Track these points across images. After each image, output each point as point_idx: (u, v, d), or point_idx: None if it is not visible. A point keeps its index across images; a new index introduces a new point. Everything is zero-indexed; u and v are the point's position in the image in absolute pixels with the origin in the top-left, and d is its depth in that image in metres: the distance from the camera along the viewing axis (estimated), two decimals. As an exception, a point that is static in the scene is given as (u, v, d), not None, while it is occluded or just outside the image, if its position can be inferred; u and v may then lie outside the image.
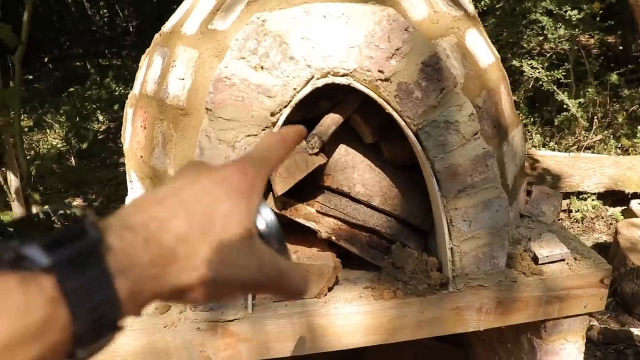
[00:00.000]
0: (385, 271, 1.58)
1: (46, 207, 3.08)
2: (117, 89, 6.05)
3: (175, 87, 1.50)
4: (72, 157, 4.79)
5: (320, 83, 1.34)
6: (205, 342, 1.49)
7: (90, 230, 0.34)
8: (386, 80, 1.35)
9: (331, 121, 1.40)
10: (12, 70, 2.82)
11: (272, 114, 1.33)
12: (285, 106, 1.33)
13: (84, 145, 4.92)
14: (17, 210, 2.72)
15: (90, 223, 0.35)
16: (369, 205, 1.54)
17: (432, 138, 1.40)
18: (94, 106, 5.48)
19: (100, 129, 5.59)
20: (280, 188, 1.38)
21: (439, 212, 1.49)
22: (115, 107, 5.66)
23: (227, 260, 0.41)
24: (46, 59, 6.23)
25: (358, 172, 1.51)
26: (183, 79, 1.48)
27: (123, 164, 5.27)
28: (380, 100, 1.36)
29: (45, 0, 7.34)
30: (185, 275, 0.39)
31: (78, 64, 6.65)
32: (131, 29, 8.29)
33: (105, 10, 8.43)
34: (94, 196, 4.44)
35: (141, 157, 1.65)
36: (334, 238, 1.51)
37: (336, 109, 1.44)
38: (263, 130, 1.33)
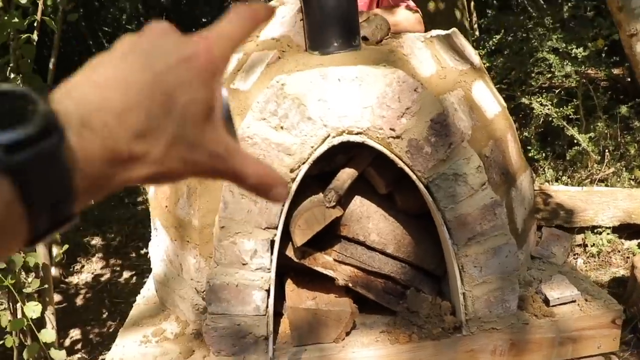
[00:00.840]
0: (401, 315, 1.65)
1: (66, 246, 3.18)
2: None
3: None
4: (92, 197, 4.91)
5: (336, 141, 1.43)
6: (227, 386, 1.56)
7: (52, 129, 0.33)
8: (397, 137, 1.44)
9: (347, 175, 1.49)
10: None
11: (292, 170, 1.42)
12: (304, 163, 1.43)
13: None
14: (41, 250, 2.82)
15: (52, 118, 0.33)
16: (383, 253, 1.61)
17: (442, 190, 1.48)
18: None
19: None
20: (299, 239, 1.46)
21: (450, 259, 1.55)
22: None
23: (183, 154, 0.38)
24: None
25: (373, 222, 1.59)
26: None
27: (141, 203, 5.44)
28: (392, 156, 1.45)
29: (68, 42, 7.60)
30: (139, 172, 0.37)
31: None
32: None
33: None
34: (112, 235, 4.55)
35: (166, 206, 1.75)
36: (350, 285, 1.58)
37: (351, 164, 1.53)
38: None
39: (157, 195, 1.84)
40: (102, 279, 4.10)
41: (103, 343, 3.44)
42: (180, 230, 1.68)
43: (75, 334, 3.49)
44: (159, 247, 1.86)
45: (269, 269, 1.48)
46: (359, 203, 1.59)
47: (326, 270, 1.56)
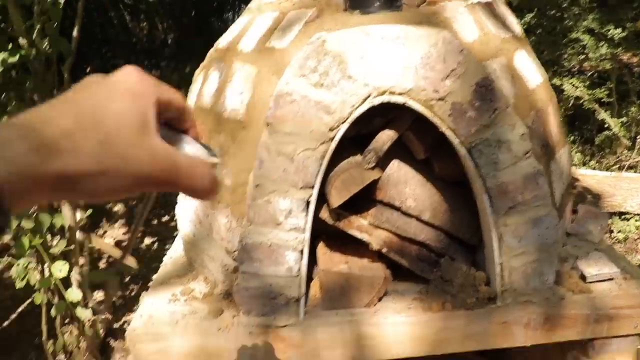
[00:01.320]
0: (434, 284, 1.61)
1: (90, 210, 3.16)
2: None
3: (234, 101, 1.57)
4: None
5: (377, 101, 1.38)
6: (256, 346, 1.54)
7: None
8: (441, 99, 1.38)
9: (386, 137, 1.44)
10: (60, 80, 2.92)
11: (330, 129, 1.37)
12: (343, 122, 1.38)
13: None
14: (67, 213, 2.82)
15: None
16: (419, 220, 1.57)
17: (485, 156, 1.43)
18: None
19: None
20: (335, 200, 1.42)
21: (489, 228, 1.50)
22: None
23: (115, 152, 0.43)
24: (89, 69, 6.41)
25: (410, 187, 1.54)
26: (242, 94, 1.54)
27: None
28: (434, 119, 1.40)
29: (90, 13, 7.59)
30: (70, 165, 0.41)
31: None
32: (169, 42, 8.48)
33: (145, 23, 8.65)
34: (134, 202, 4.57)
35: (198, 167, 1.72)
36: (384, 250, 1.54)
37: (391, 126, 1.48)
38: (321, 144, 1.37)
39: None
40: (124, 245, 4.12)
41: (125, 305, 3.47)
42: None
43: (98, 295, 3.51)
44: (188, 207, 1.83)
45: (303, 230, 1.45)
46: (396, 167, 1.54)
47: (360, 234, 1.52)
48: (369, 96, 1.37)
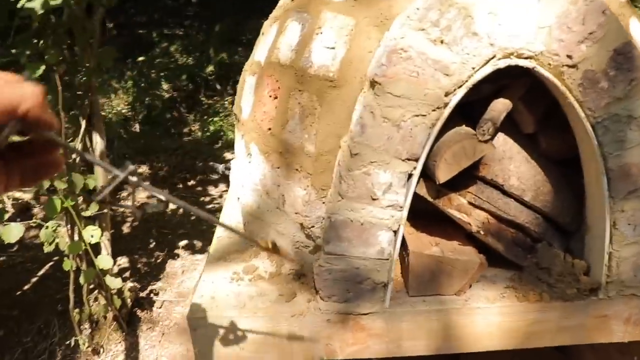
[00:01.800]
0: (528, 271, 1.43)
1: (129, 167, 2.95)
2: (180, 59, 5.94)
3: (322, 56, 1.35)
4: (137, 124, 4.70)
5: (502, 64, 1.17)
6: (332, 334, 1.36)
7: None
8: (573, 66, 1.18)
9: (502, 106, 1.24)
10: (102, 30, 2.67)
11: (446, 94, 1.17)
12: (460, 86, 1.17)
13: (154, 113, 4.83)
14: (100, 175, 2.62)
15: None
16: (518, 200, 1.38)
17: (611, 133, 1.23)
18: (161, 74, 5.39)
19: (164, 98, 5.49)
20: (443, 175, 1.23)
21: (601, 214, 1.32)
22: (184, 77, 5.54)
23: None
24: (111, 25, 6.14)
25: (515, 164, 1.35)
26: (333, 48, 1.33)
27: (187, 134, 5.23)
28: (562, 88, 1.19)
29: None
30: None
31: (141, 31, 6.55)
32: (193, 0, 8.16)
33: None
34: (160, 164, 4.36)
35: (269, 129, 1.51)
36: (482, 233, 1.35)
37: (504, 94, 1.27)
38: (433, 110, 1.17)
39: (255, 117, 1.60)
40: (148, 208, 3.93)
41: (151, 273, 3.30)
42: (286, 156, 1.45)
43: (123, 262, 3.34)
44: (252, 174, 1.63)
45: (401, 207, 1.25)
46: (502, 141, 1.34)
47: (460, 214, 1.33)
48: (492, 58, 1.16)
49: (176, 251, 3.53)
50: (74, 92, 2.43)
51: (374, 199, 1.24)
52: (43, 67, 2.16)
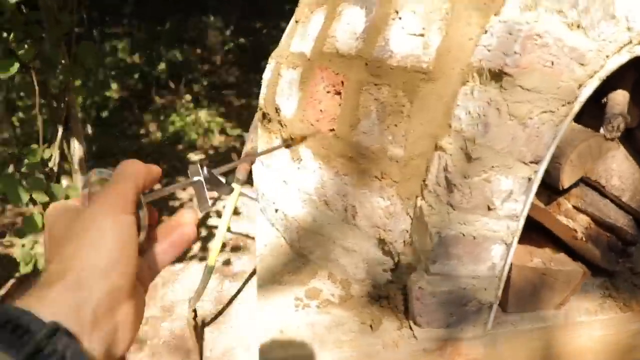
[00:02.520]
0: (622, 277, 1.28)
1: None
2: (128, 58, 5.45)
3: (406, 44, 1.12)
4: (89, 126, 4.24)
5: (638, 50, 0.99)
6: (429, 364, 1.15)
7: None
8: None
9: (623, 98, 1.07)
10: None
11: (579, 86, 0.98)
12: (592, 77, 0.99)
13: (103, 114, 4.37)
14: (78, 181, 2.26)
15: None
16: (616, 202, 1.22)
17: None
18: (112, 73, 4.90)
19: (114, 98, 5.00)
20: (568, 179, 1.04)
21: None
22: (136, 76, 5.07)
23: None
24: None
25: (617, 162, 1.19)
26: (422, 35, 1.10)
27: (145, 135, 4.80)
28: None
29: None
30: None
31: (79, 30, 5.95)
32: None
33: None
34: (121, 168, 3.95)
35: (331, 130, 1.27)
36: (584, 239, 1.18)
37: (620, 84, 1.10)
38: (563, 105, 0.98)
39: (305, 116, 1.35)
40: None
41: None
42: (360, 162, 1.21)
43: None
44: (303, 183, 1.38)
45: (518, 217, 1.05)
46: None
47: (566, 220, 1.15)
48: (628, 44, 0.98)
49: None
50: (49, 92, 2.06)
51: (490, 209, 1.03)
52: (17, 65, 1.79)
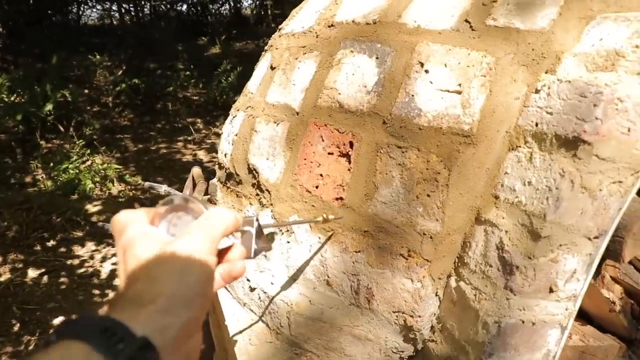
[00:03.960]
0: (638, 345, 1.17)
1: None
2: (6, 97, 4.67)
3: (439, 102, 0.93)
4: (-38, 175, 3.50)
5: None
6: None
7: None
8: None
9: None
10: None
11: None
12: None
13: (-19, 161, 3.62)
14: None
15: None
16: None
17: None
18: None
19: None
20: (629, 252, 0.90)
21: None
22: (18, 117, 4.31)
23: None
24: None
25: None
26: (459, 93, 0.92)
27: (32, 184, 4.07)
28: None
29: None
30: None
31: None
32: (2, 31, 6.69)
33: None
34: (6, 223, 3.26)
35: (338, 199, 1.03)
36: (617, 311, 1.05)
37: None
38: (632, 175, 0.84)
39: (297, 180, 1.09)
40: (1, 279, 2.89)
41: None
42: (377, 237, 0.98)
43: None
44: (294, 260, 1.11)
45: (576, 297, 0.89)
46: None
47: (608, 293, 1.01)
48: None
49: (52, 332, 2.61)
50: None
51: (551, 292, 0.86)
52: None
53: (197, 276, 0.45)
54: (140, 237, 0.47)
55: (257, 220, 0.57)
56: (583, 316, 1.10)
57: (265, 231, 0.58)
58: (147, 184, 2.76)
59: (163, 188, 2.69)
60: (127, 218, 0.50)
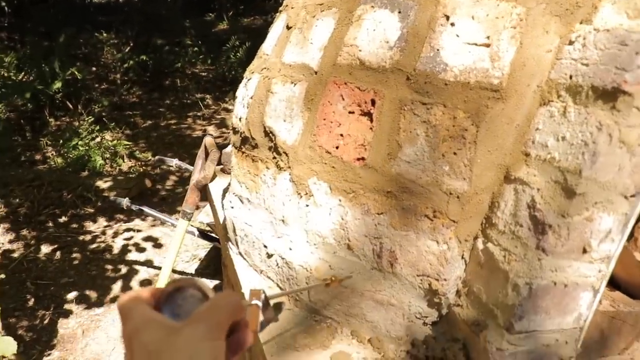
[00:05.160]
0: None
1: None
2: (14, 75, 4.66)
3: (466, 56, 0.89)
4: (-27, 153, 3.51)
5: None
6: None
7: None
8: None
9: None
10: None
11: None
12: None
13: (-8, 139, 3.63)
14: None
15: None
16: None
17: None
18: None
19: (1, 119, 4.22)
20: None
21: None
22: (27, 95, 4.31)
23: None
24: None
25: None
26: (487, 46, 0.88)
27: (42, 162, 4.08)
28: None
29: None
30: None
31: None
32: (7, 9, 6.65)
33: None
34: (17, 200, 3.27)
35: (359, 159, 1.00)
36: (649, 275, 1.02)
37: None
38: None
39: (317, 142, 1.06)
40: (15, 255, 2.91)
41: (40, 340, 2.39)
42: (402, 197, 0.95)
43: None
44: (313, 223, 1.09)
45: (610, 259, 0.86)
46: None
47: (639, 256, 0.98)
48: None
49: (66, 307, 2.64)
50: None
51: (584, 252, 0.83)
52: None
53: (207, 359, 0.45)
54: (146, 324, 0.46)
55: (264, 292, 0.58)
56: (611, 282, 1.07)
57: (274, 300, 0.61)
58: (157, 158, 2.76)
59: (174, 162, 2.68)
60: (131, 302, 0.49)
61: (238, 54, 6.53)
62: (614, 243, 0.84)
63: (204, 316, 0.47)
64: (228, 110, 5.52)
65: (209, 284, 1.40)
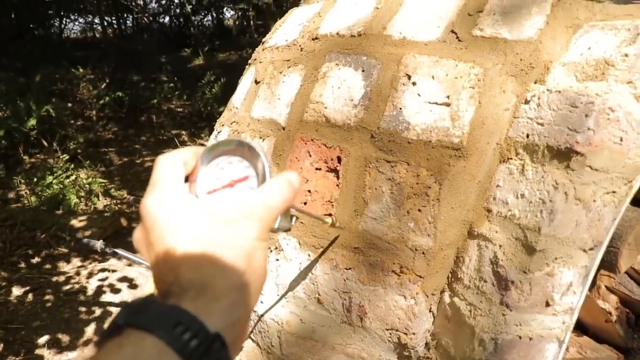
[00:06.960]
0: (633, 354, 1.15)
1: None
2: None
3: (427, 115, 0.90)
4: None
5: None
6: None
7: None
8: None
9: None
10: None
11: (636, 170, 0.82)
12: (644, 152, 0.84)
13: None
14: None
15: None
16: (633, 277, 1.10)
17: None
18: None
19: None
20: (625, 263, 0.87)
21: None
22: (1, 132, 4.20)
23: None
24: None
25: None
26: (448, 105, 0.89)
27: (15, 200, 3.97)
28: None
29: None
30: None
31: None
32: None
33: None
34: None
35: (327, 215, 0.99)
36: (614, 321, 1.03)
37: None
38: (625, 185, 0.81)
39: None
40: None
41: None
42: (368, 253, 0.94)
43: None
44: (283, 277, 1.07)
45: (573, 310, 0.86)
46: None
47: (603, 303, 0.99)
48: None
49: (37, 352, 2.53)
50: None
51: (547, 306, 0.83)
52: None
53: (261, 268, 0.43)
54: (182, 211, 0.42)
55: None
56: (579, 326, 1.07)
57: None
58: (132, 198, 2.70)
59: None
60: (166, 167, 0.45)
61: (214, 89, 6.54)
62: (575, 295, 0.84)
63: (261, 215, 0.44)
64: (203, 146, 5.48)
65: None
